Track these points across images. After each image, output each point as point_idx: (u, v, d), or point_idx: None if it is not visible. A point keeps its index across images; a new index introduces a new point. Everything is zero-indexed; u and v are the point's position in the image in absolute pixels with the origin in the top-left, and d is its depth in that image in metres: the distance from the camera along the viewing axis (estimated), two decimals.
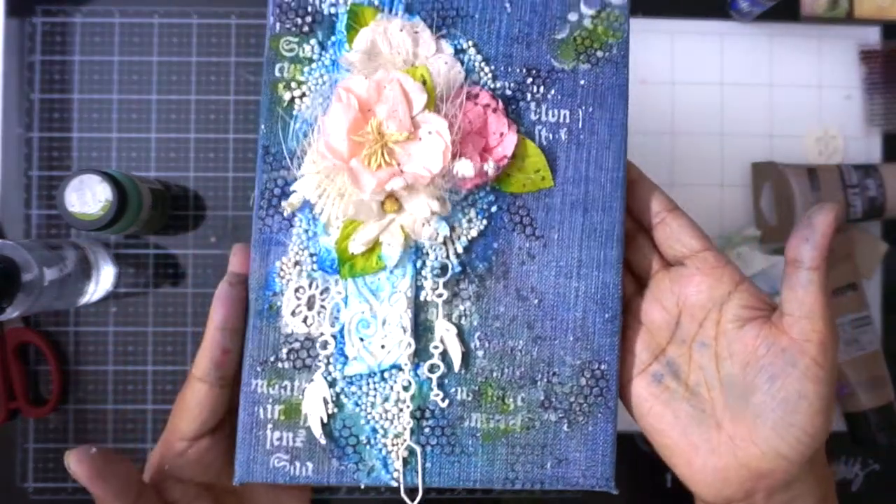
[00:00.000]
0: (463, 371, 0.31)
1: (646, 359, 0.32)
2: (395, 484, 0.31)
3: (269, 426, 0.31)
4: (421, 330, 0.31)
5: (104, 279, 0.50)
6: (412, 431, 0.31)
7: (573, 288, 0.32)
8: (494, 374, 0.32)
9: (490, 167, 0.30)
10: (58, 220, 0.52)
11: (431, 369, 0.31)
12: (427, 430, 0.31)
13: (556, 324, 0.32)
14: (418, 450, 0.31)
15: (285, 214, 0.31)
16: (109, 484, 0.27)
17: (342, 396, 0.31)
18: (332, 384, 0.31)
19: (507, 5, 0.32)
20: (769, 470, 0.29)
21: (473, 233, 0.31)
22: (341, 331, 0.31)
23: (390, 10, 0.31)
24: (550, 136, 0.32)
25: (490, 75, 0.32)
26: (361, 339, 0.31)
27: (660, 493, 0.54)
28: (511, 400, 0.32)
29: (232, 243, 0.52)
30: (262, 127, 0.31)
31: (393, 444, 0.31)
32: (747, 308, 0.31)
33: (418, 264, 0.31)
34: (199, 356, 0.31)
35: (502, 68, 0.32)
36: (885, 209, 0.52)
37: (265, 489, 0.33)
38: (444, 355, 0.31)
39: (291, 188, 0.31)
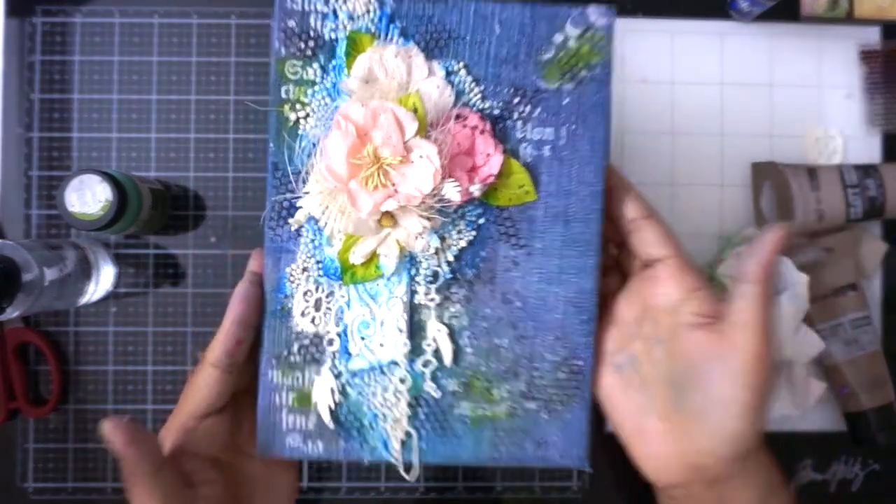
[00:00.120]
0: (453, 366, 0.35)
1: (612, 350, 0.36)
2: (394, 461, 0.35)
3: (285, 410, 0.35)
4: (415, 330, 0.35)
5: (104, 279, 0.50)
6: (409, 417, 0.35)
7: (553, 292, 0.35)
8: (482, 369, 0.35)
9: (476, 188, 0.33)
10: (58, 220, 0.52)
11: (425, 364, 0.35)
12: (422, 416, 0.35)
13: (537, 324, 0.35)
14: (414, 433, 0.35)
15: (293, 229, 0.35)
16: (140, 450, 0.30)
17: (347, 387, 0.35)
18: (337, 376, 0.35)
19: (497, 27, 0.34)
20: (704, 465, 0.32)
21: (463, 243, 0.35)
22: (345, 330, 0.35)
23: (386, 36, 0.34)
24: (535, 152, 0.35)
25: (479, 95, 0.34)
26: (362, 339, 0.35)
27: None
28: (496, 391, 0.35)
29: (232, 243, 0.52)
30: (271, 145, 0.34)
31: (392, 428, 0.35)
32: (698, 314, 0.33)
33: (412, 272, 0.35)
34: (213, 344, 0.34)
35: (491, 88, 0.34)
36: (885, 209, 0.52)
37: (263, 462, 0.37)
38: (437, 352, 0.35)
39: (298, 204, 0.34)
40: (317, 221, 0.34)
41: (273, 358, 0.35)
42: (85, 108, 0.53)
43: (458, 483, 0.53)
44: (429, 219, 0.33)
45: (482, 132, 0.34)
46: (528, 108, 0.34)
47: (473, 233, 0.35)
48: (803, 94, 0.56)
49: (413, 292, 0.35)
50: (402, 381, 0.35)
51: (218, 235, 0.53)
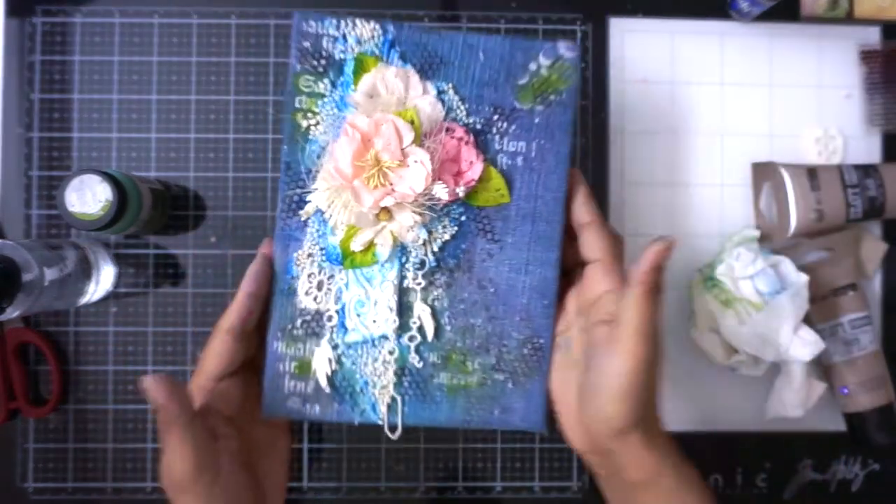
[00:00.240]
0: (435, 341, 0.41)
1: (559, 332, 0.42)
2: (380, 423, 0.41)
3: (287, 377, 0.40)
4: (403, 309, 0.41)
5: (104, 279, 0.51)
6: (395, 385, 0.41)
7: (521, 281, 0.41)
8: (458, 344, 0.41)
9: (461, 190, 0.39)
10: (58, 220, 0.52)
11: (411, 339, 0.41)
12: (406, 384, 0.41)
13: (507, 307, 0.41)
14: (399, 398, 0.41)
15: (302, 220, 0.40)
16: (179, 402, 0.35)
17: (343, 357, 0.41)
18: (335, 348, 0.41)
19: (481, 55, 0.40)
20: (595, 435, 0.38)
21: (446, 236, 0.41)
22: (343, 308, 0.41)
23: (387, 59, 0.40)
24: (510, 162, 0.41)
25: (465, 112, 0.40)
26: (358, 315, 0.41)
27: None
28: (470, 363, 0.41)
29: (232, 243, 0.53)
30: (285, 147, 0.40)
31: (380, 394, 0.41)
32: (606, 312, 0.39)
33: (403, 260, 0.40)
34: (227, 313, 0.39)
35: (474, 106, 0.40)
36: (885, 209, 0.52)
37: (266, 425, 0.42)
38: (421, 329, 0.41)
39: (307, 199, 0.40)
40: (322, 214, 0.40)
41: (279, 331, 0.40)
42: (85, 108, 0.53)
43: (458, 483, 0.53)
44: (420, 214, 0.39)
45: (467, 143, 0.40)
46: (505, 125, 0.40)
47: (456, 228, 0.40)
48: (803, 94, 0.56)
49: (403, 277, 0.41)
50: (391, 353, 0.41)
51: (218, 235, 0.53)
